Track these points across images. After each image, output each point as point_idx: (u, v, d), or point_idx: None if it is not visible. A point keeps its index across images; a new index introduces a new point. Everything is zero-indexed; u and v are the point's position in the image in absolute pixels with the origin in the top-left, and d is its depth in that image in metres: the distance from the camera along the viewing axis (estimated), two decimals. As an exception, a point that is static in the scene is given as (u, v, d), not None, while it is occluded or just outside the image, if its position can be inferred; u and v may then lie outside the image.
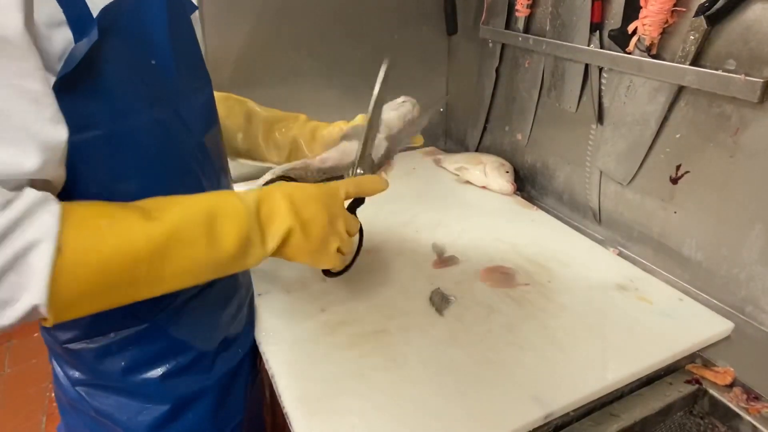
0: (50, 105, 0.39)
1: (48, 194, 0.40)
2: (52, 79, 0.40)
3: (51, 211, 0.38)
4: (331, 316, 0.71)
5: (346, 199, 0.60)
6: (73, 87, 0.41)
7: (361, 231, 0.67)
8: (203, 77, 0.57)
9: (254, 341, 0.70)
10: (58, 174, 0.42)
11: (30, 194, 0.38)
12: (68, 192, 0.45)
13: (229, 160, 0.67)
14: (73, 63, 0.40)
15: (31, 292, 0.37)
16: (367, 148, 0.66)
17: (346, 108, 1.21)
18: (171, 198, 0.48)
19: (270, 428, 0.84)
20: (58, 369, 0.61)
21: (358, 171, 0.66)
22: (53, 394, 0.67)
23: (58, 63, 0.40)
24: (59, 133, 0.40)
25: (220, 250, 0.47)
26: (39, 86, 0.38)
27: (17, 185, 0.38)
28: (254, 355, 0.71)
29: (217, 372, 0.63)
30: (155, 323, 0.56)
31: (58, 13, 0.40)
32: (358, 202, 0.66)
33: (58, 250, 0.38)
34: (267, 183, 0.65)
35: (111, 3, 0.42)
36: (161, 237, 0.44)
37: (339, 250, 0.59)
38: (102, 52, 0.42)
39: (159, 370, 0.58)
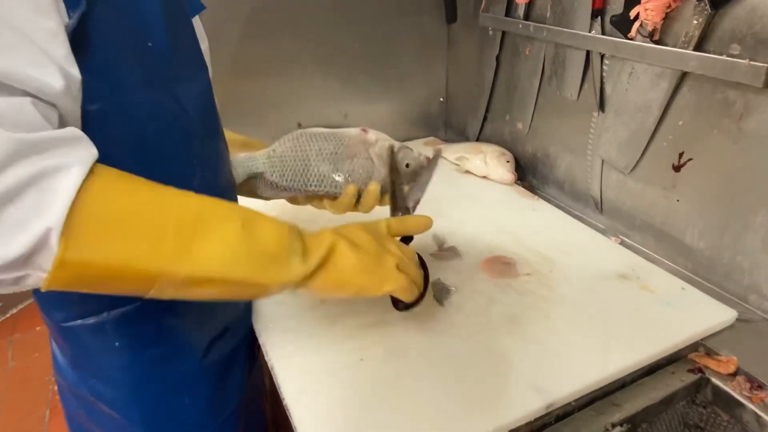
0: (64, 44, 0.39)
1: (88, 139, 0.39)
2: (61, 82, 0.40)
3: (90, 147, 0.38)
4: (331, 307, 0.71)
5: (390, 234, 0.58)
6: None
7: (423, 263, 0.63)
8: (200, 65, 0.57)
9: (251, 330, 0.70)
10: (76, 116, 0.42)
11: (72, 130, 0.38)
12: None
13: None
14: (68, 35, 0.40)
15: (47, 214, 0.34)
16: (398, 195, 0.66)
17: (343, 97, 1.21)
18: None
19: (270, 417, 0.84)
20: (57, 352, 0.61)
21: (398, 215, 0.65)
22: (56, 387, 0.67)
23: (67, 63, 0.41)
24: (74, 70, 0.40)
25: (257, 242, 0.45)
26: (55, 25, 0.38)
27: (51, 114, 0.38)
28: (252, 343, 0.72)
29: (212, 358, 0.63)
30: (148, 304, 0.55)
31: None
32: (405, 240, 0.64)
33: (89, 179, 0.36)
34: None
35: None
36: (195, 206, 0.43)
37: (399, 269, 0.55)
38: (95, 27, 0.42)
39: (152, 352, 0.58)
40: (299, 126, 1.17)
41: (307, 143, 0.66)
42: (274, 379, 0.61)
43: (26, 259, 0.35)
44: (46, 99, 0.38)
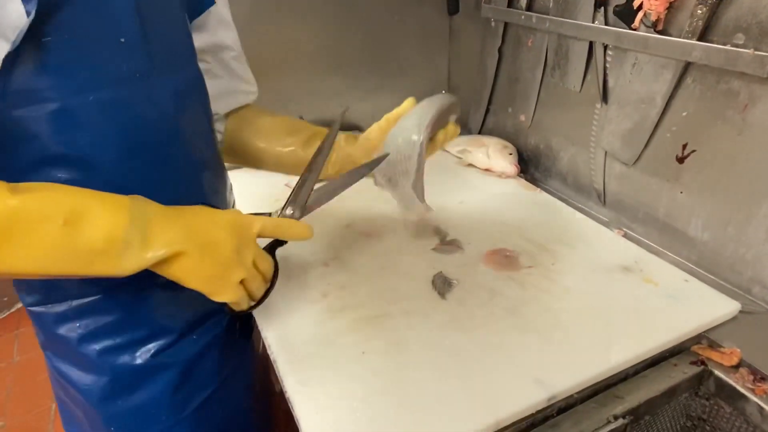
0: None
1: None
2: (6, 47, 0.40)
3: None
4: (333, 300, 0.71)
5: (261, 236, 0.55)
6: (23, 61, 0.41)
7: (275, 272, 0.60)
8: (184, 59, 0.57)
9: (230, 322, 0.69)
10: None
11: None
12: (11, 165, 0.46)
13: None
14: (20, 35, 0.40)
15: None
16: (303, 190, 0.61)
17: (345, 89, 1.20)
18: (63, 186, 0.45)
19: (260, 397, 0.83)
20: (36, 335, 0.62)
21: (287, 211, 0.60)
22: None
23: (12, 33, 0.40)
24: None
25: (79, 240, 0.44)
26: None
27: None
28: (243, 327, 0.71)
29: (179, 351, 0.62)
30: (111, 295, 0.56)
31: None
32: (278, 242, 0.61)
33: None
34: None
35: None
36: (11, 208, 0.41)
37: (244, 284, 0.54)
38: (54, 26, 0.42)
39: (112, 341, 0.58)
40: (301, 118, 1.17)
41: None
42: (277, 373, 0.61)
43: None
44: None
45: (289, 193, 0.60)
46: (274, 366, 0.62)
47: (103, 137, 0.49)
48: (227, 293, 0.53)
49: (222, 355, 0.69)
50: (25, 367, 1.86)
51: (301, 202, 0.60)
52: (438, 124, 0.70)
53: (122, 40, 0.47)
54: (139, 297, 0.58)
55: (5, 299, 2.08)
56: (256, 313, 0.70)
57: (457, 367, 0.60)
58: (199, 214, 0.52)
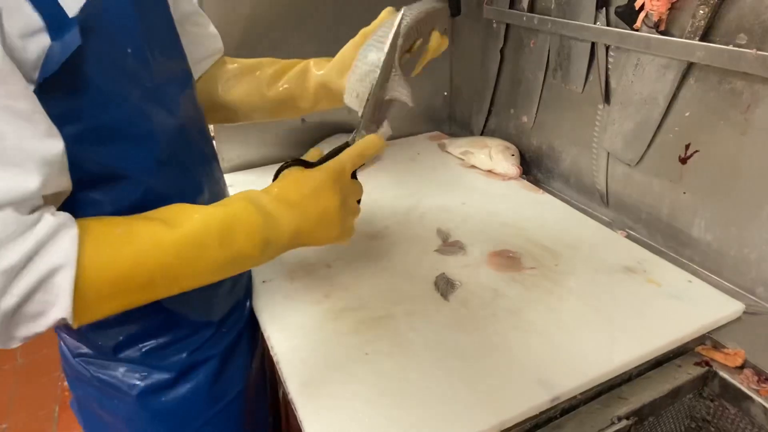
0: (42, 121, 0.40)
1: (66, 217, 0.41)
2: (31, 87, 0.41)
3: (70, 235, 0.41)
4: (336, 302, 0.71)
5: (352, 170, 0.57)
6: (55, 87, 0.42)
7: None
8: (179, 58, 0.58)
9: (251, 316, 0.72)
10: (63, 184, 0.44)
11: (48, 220, 0.40)
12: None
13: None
14: (55, 66, 0.41)
15: (58, 306, 0.40)
16: (370, 110, 0.58)
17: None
18: (187, 207, 0.49)
19: (272, 403, 0.84)
20: (61, 342, 0.63)
21: (363, 133, 0.58)
22: (65, 383, 0.69)
23: (34, 71, 0.41)
24: (55, 146, 0.41)
25: (236, 255, 0.48)
26: (28, 105, 0.39)
27: (32, 207, 0.40)
28: (253, 328, 0.73)
29: (214, 345, 0.65)
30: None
31: (34, 21, 0.40)
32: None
33: (79, 271, 0.40)
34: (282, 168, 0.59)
35: (86, 3, 0.42)
36: (174, 245, 0.45)
37: (344, 233, 0.58)
38: (84, 51, 0.42)
39: (154, 342, 0.60)
40: (303, 121, 1.17)
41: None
42: (279, 374, 0.61)
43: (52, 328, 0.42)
44: (24, 200, 0.39)
45: (360, 115, 0.59)
46: (277, 368, 0.62)
47: (133, 150, 0.50)
48: (345, 236, 0.57)
49: (247, 352, 0.71)
50: (29, 369, 1.86)
51: (369, 120, 0.59)
52: (418, 33, 0.64)
53: (129, 50, 0.48)
54: (177, 296, 0.59)
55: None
56: (259, 314, 0.70)
57: (460, 369, 0.60)
58: (301, 183, 0.52)
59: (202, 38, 0.70)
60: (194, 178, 0.59)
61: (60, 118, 0.42)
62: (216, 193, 0.64)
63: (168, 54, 0.55)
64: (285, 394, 0.59)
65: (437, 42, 0.67)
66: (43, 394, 1.75)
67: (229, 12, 1.01)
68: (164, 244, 0.45)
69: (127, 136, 0.49)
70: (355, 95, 0.61)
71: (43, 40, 0.40)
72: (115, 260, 0.43)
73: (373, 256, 0.81)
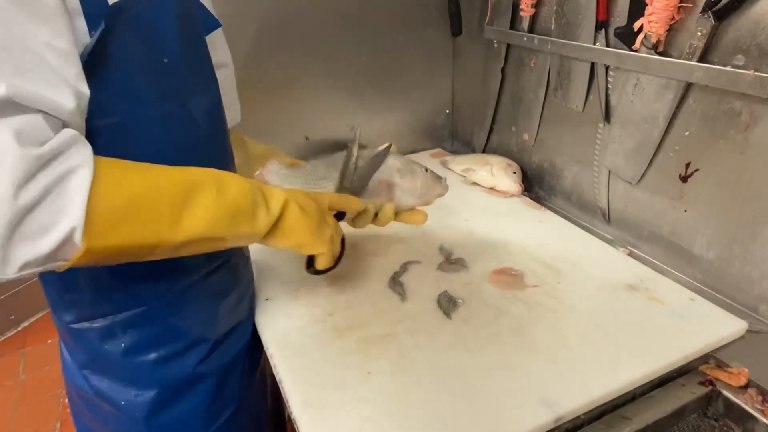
0: (76, 64, 0.43)
1: (82, 135, 0.43)
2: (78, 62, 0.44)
3: (86, 144, 0.42)
4: (339, 320, 0.71)
5: (330, 208, 0.66)
6: (89, 75, 0.44)
7: (343, 241, 0.70)
8: (210, 78, 0.60)
9: (253, 334, 0.73)
10: (82, 126, 0.45)
11: (68, 131, 0.41)
12: None
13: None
14: (86, 53, 0.44)
15: (69, 215, 0.39)
16: (345, 178, 0.75)
17: (350, 109, 1.22)
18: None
19: (271, 418, 0.84)
20: (66, 355, 0.63)
21: (344, 188, 0.74)
22: (66, 400, 0.69)
23: (80, 47, 0.44)
24: (84, 88, 0.43)
25: (230, 202, 0.51)
26: (68, 46, 0.42)
27: (56, 125, 0.41)
28: (253, 346, 0.73)
29: (214, 360, 0.65)
30: (154, 307, 0.59)
31: (77, 5, 0.43)
32: (339, 215, 0.71)
33: (95, 177, 0.41)
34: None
35: (120, 1, 0.45)
36: (178, 181, 0.48)
37: (332, 241, 0.63)
38: (115, 45, 0.46)
39: (156, 353, 0.60)
40: (306, 139, 1.18)
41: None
42: (282, 393, 0.61)
43: (54, 254, 0.40)
44: (57, 115, 0.41)
45: (338, 178, 0.75)
46: (280, 386, 0.62)
47: (153, 152, 0.51)
48: (322, 244, 0.62)
49: (246, 369, 0.72)
50: (31, 385, 1.85)
51: (348, 185, 0.74)
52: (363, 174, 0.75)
53: (165, 60, 0.51)
54: (179, 308, 0.61)
55: (12, 318, 2.09)
56: (262, 331, 0.71)
57: (463, 388, 0.60)
58: (284, 188, 0.60)
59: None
60: None
61: (91, 109, 0.45)
62: None
63: (203, 77, 0.58)
64: (289, 414, 0.59)
65: (387, 216, 0.74)
66: (45, 411, 1.74)
67: (235, 27, 1.02)
68: (173, 175, 0.47)
69: (149, 140, 0.51)
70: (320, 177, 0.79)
71: (84, 26, 0.44)
72: (127, 178, 0.44)
73: (375, 275, 0.81)
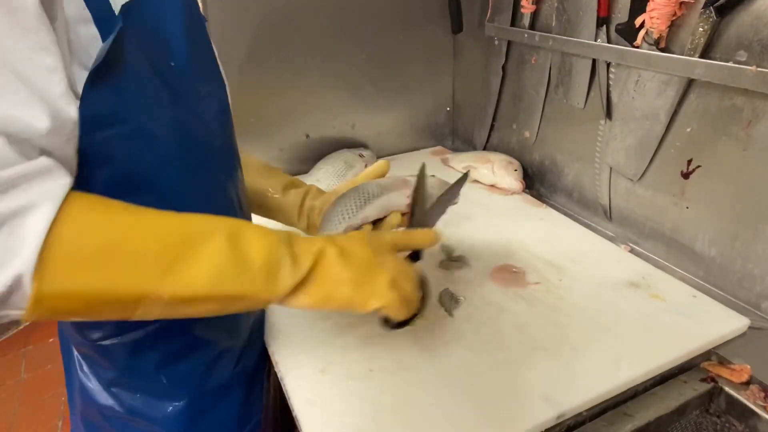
0: (61, 81, 0.39)
1: (61, 167, 0.38)
2: (84, 73, 0.41)
3: (61, 178, 0.37)
4: (340, 318, 0.71)
5: (395, 249, 0.56)
6: (101, 82, 0.42)
7: (425, 284, 0.58)
8: (218, 81, 0.59)
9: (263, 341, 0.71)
10: (66, 154, 0.41)
11: (40, 160, 0.37)
12: (91, 191, 0.44)
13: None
14: (100, 58, 0.41)
15: (19, 256, 0.34)
16: (416, 215, 0.65)
17: (351, 107, 1.22)
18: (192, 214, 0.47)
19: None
20: (84, 376, 0.60)
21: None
22: (66, 400, 0.67)
23: (86, 56, 0.42)
24: (70, 108, 0.39)
25: (243, 256, 0.44)
26: (53, 61, 0.38)
27: (29, 150, 0.37)
28: (265, 354, 0.72)
29: (242, 367, 0.65)
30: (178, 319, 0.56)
31: (83, 11, 0.41)
32: (414, 256, 0.61)
33: (60, 217, 0.36)
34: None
35: (130, 2, 0.44)
36: (177, 226, 0.42)
37: (392, 285, 0.51)
38: (125, 51, 0.44)
39: (189, 364, 0.59)
40: (307, 137, 1.18)
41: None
42: (284, 391, 0.61)
43: (3, 301, 0.35)
44: (27, 138, 0.36)
45: (407, 219, 0.66)
46: (282, 384, 0.62)
47: (168, 157, 0.50)
48: (379, 296, 0.50)
49: (266, 373, 0.71)
50: (33, 385, 1.86)
51: (420, 223, 0.64)
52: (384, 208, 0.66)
53: (172, 64, 0.49)
54: (203, 319, 0.58)
55: (13, 317, 2.09)
56: (264, 330, 0.70)
57: (464, 385, 0.60)
58: (330, 236, 0.52)
59: None
60: (223, 196, 0.59)
61: (99, 119, 0.42)
62: (243, 214, 0.64)
63: (211, 80, 0.57)
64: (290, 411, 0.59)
65: (390, 223, 0.67)
66: (46, 410, 1.74)
67: (235, 25, 1.02)
68: (171, 221, 0.42)
69: (163, 146, 0.49)
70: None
71: (94, 31, 0.42)
72: (105, 220, 0.38)
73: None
